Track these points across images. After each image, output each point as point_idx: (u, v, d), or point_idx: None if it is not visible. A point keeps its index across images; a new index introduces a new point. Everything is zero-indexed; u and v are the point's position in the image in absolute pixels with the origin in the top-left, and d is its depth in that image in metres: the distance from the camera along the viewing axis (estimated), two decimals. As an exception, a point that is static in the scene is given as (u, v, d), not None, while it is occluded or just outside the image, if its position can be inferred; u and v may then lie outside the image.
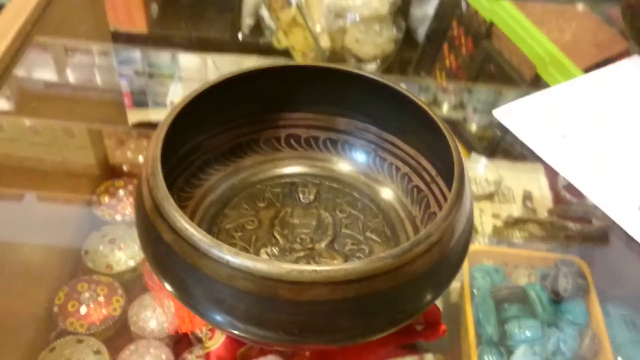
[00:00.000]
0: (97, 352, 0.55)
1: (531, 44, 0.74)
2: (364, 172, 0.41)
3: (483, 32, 0.93)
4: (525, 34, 0.76)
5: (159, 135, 0.32)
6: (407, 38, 0.96)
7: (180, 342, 0.58)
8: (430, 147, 0.37)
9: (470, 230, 0.33)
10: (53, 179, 0.69)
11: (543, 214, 0.74)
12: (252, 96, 0.39)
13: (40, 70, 0.74)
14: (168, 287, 0.30)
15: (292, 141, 0.42)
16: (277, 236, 0.37)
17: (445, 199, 0.37)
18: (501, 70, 0.87)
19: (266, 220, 0.38)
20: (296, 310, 0.28)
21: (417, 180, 0.39)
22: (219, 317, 0.29)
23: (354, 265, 0.27)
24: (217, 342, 0.34)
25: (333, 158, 0.42)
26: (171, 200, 0.29)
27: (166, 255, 0.29)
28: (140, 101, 0.75)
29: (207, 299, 0.29)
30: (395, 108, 0.38)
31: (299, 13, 0.99)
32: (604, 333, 0.54)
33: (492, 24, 0.89)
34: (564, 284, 0.62)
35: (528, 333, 0.58)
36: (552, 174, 0.77)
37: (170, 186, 0.30)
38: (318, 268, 0.27)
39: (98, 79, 0.77)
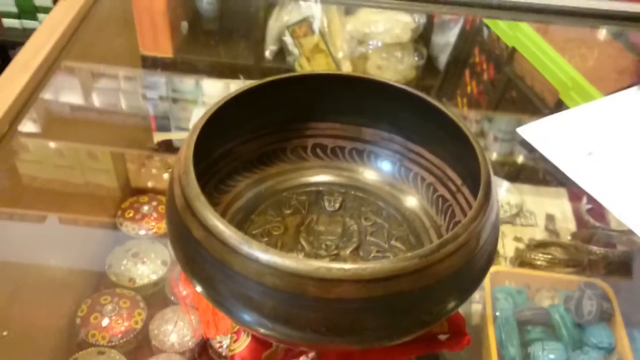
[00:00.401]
0: (118, 365, 0.55)
1: (553, 69, 0.74)
2: (389, 182, 0.41)
3: (505, 58, 0.93)
4: (548, 60, 0.76)
5: (192, 137, 0.33)
6: (429, 65, 0.96)
7: (200, 357, 0.58)
8: (457, 156, 0.38)
9: (496, 236, 0.33)
10: (78, 199, 0.70)
11: (566, 238, 0.73)
12: (281, 105, 0.40)
13: (67, 93, 0.75)
14: (197, 285, 0.31)
15: (319, 150, 0.43)
16: (303, 242, 0.38)
17: (471, 208, 0.37)
18: (523, 95, 0.87)
19: (292, 227, 0.39)
20: (323, 308, 0.28)
21: (442, 190, 0.39)
22: (246, 315, 0.29)
23: (382, 264, 0.27)
24: (242, 344, 0.34)
25: (359, 168, 0.42)
26: (202, 197, 0.30)
27: (196, 252, 0.30)
28: (163, 125, 0.76)
29: (235, 296, 0.29)
30: (422, 118, 0.38)
31: (322, 39, 1.01)
32: (631, 358, 0.53)
33: (514, 50, 0.89)
34: (588, 306, 0.62)
35: (552, 355, 0.57)
36: (575, 198, 0.77)
37: (201, 192, 0.30)
38: (346, 266, 0.27)
39: (124, 103, 0.78)
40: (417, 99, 0.37)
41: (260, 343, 0.34)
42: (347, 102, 0.40)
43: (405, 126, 0.40)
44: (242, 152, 0.40)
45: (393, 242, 0.38)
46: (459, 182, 0.38)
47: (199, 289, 0.31)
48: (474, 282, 0.32)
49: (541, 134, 0.60)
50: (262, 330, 0.29)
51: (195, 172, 0.31)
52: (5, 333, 0.53)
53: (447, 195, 0.39)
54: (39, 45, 0.68)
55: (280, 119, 0.41)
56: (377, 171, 0.42)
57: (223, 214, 0.38)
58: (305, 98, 0.40)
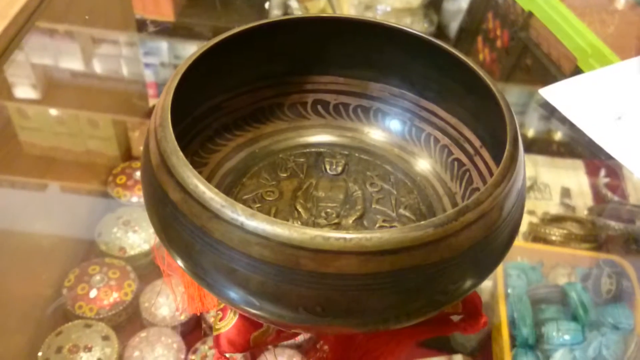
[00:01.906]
0: (106, 338, 0.53)
1: (572, 34, 0.70)
2: (398, 144, 0.37)
3: (520, 24, 0.89)
4: (566, 25, 0.72)
5: (172, 83, 0.28)
6: (439, 32, 0.95)
7: (193, 331, 0.55)
8: (476, 114, 0.33)
9: (522, 206, 0.29)
10: (68, 165, 0.68)
11: (582, 212, 0.71)
12: (279, 54, 0.35)
13: (65, 58, 0.72)
14: (174, 255, 0.27)
15: (320, 108, 0.38)
16: (300, 209, 0.34)
17: (490, 173, 0.32)
18: (538, 63, 0.83)
19: (288, 192, 0.35)
20: (320, 285, 0.24)
21: (458, 153, 0.35)
22: (230, 291, 0.25)
23: (390, 234, 0.23)
24: (228, 323, 0.30)
25: (364, 127, 0.38)
26: (180, 154, 0.25)
27: (173, 217, 0.26)
28: None
29: (217, 268, 0.25)
30: (438, 70, 0.34)
31: (329, 4, 0.97)
32: (651, 340, 0.50)
33: (530, 15, 0.85)
34: (607, 285, 0.59)
35: (567, 336, 0.54)
36: (592, 170, 0.73)
37: (183, 148, 0.26)
38: (347, 235, 0.23)
39: (124, 69, 0.76)
40: (434, 47, 0.32)
41: (248, 322, 0.30)
42: (353, 53, 0.36)
43: (418, 80, 0.35)
44: (233, 106, 0.36)
45: (402, 211, 0.34)
46: (477, 143, 0.34)
47: (176, 259, 0.26)
48: (496, 257, 0.27)
49: (564, 96, 0.56)
50: (248, 309, 0.25)
51: (178, 126, 0.27)
52: None
53: (464, 159, 0.34)
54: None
55: (277, 70, 0.37)
56: (384, 131, 0.37)
57: (211, 176, 0.34)
58: (305, 47, 0.36)
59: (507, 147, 0.27)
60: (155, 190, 0.26)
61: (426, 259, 0.24)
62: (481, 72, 0.30)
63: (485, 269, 0.27)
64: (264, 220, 0.23)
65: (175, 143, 0.26)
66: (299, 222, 0.33)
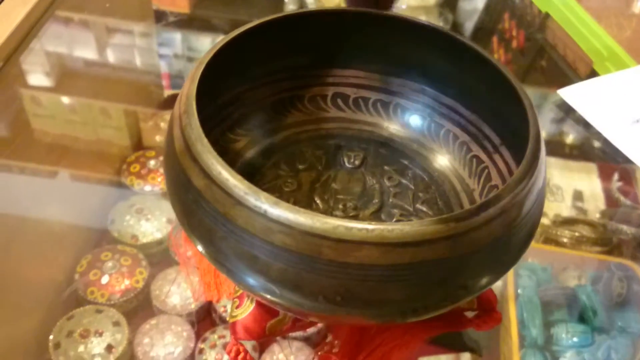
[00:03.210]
0: (117, 324, 0.53)
1: (589, 37, 0.70)
2: (416, 139, 0.37)
3: (537, 25, 0.89)
4: (583, 27, 0.72)
5: (197, 71, 0.28)
6: (454, 32, 0.93)
7: (203, 320, 0.55)
8: (497, 111, 0.33)
9: (541, 205, 0.29)
10: (83, 152, 0.68)
11: (594, 215, 0.70)
12: (301, 46, 0.35)
13: (83, 47, 0.72)
14: (196, 242, 0.27)
15: (340, 101, 0.38)
16: (318, 200, 0.34)
17: (510, 171, 0.32)
18: (554, 65, 0.83)
19: (306, 184, 0.35)
20: (340, 274, 0.24)
21: (477, 150, 0.35)
22: (250, 278, 0.25)
23: (411, 226, 0.23)
24: (245, 310, 0.30)
25: (383, 122, 0.38)
26: (205, 140, 0.26)
27: (196, 203, 0.26)
28: (177, 84, 0.73)
29: (238, 255, 0.25)
30: (459, 66, 0.34)
31: (344, 0, 0.96)
32: (662, 344, 0.50)
33: (547, 16, 0.84)
34: (618, 288, 0.59)
35: (576, 339, 0.54)
36: (605, 174, 0.73)
37: (205, 136, 0.26)
38: (369, 226, 0.23)
39: (139, 59, 0.76)
40: (457, 43, 0.32)
41: (265, 310, 0.30)
42: (374, 47, 0.36)
43: (438, 76, 0.35)
44: (254, 97, 0.36)
45: (419, 206, 0.34)
46: (497, 141, 0.34)
47: (198, 245, 0.27)
48: (514, 254, 0.27)
49: (584, 97, 0.55)
50: (267, 296, 0.25)
51: (200, 114, 0.27)
52: None
53: (483, 156, 0.34)
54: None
55: (299, 63, 0.37)
56: (403, 126, 0.37)
57: (230, 165, 0.34)
58: (327, 40, 0.36)
59: (530, 144, 0.27)
60: (179, 176, 0.27)
61: (447, 253, 0.24)
62: (505, 70, 0.30)
63: (503, 265, 0.27)
64: (287, 208, 0.24)
65: (200, 130, 0.26)
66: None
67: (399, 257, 0.24)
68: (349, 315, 0.25)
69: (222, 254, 0.26)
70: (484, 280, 0.26)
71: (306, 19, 0.34)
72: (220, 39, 0.30)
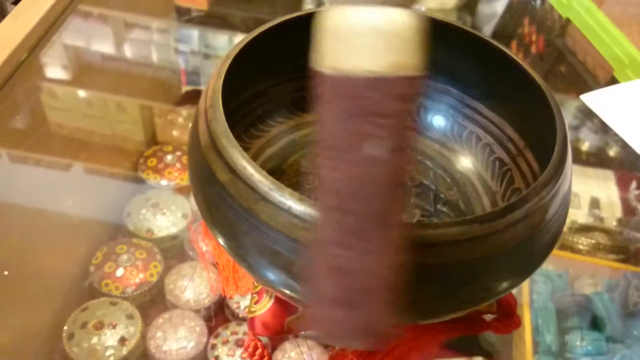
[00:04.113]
0: (130, 317, 0.53)
1: (610, 44, 0.69)
2: (439, 140, 0.37)
3: (557, 30, 0.88)
4: (604, 33, 0.71)
5: (223, 66, 0.28)
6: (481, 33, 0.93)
7: (216, 316, 0.55)
8: (522, 114, 0.33)
9: (566, 210, 0.29)
10: (101, 146, 0.68)
11: (611, 223, 0.70)
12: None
13: (106, 42, 0.73)
14: (218, 236, 0.27)
15: (362, 99, 0.38)
16: (339, 199, 0.34)
17: (533, 174, 0.32)
18: (573, 71, 0.82)
19: (327, 182, 0.35)
20: (363, 273, 0.24)
21: (500, 152, 0.34)
22: (271, 274, 0.25)
23: (437, 227, 0.23)
24: (263, 307, 0.30)
25: (406, 122, 0.37)
26: (231, 135, 0.26)
27: (219, 198, 0.26)
28: (193, 80, 0.74)
29: (260, 251, 0.25)
30: (484, 68, 0.33)
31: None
32: (677, 356, 0.49)
33: (568, 21, 0.84)
34: (634, 297, 0.58)
35: (591, 347, 0.54)
36: (623, 182, 0.72)
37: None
38: (393, 225, 0.23)
39: (154, 55, 0.76)
40: (484, 45, 0.32)
41: (284, 307, 0.30)
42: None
43: (464, 77, 0.35)
44: (277, 94, 0.36)
45: (440, 207, 0.34)
46: (521, 144, 0.33)
47: (219, 239, 0.27)
48: (538, 259, 0.27)
49: (606, 102, 0.55)
50: (288, 293, 0.25)
51: (224, 109, 0.27)
52: (5, 273, 0.52)
53: (506, 159, 0.34)
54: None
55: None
56: (426, 127, 0.37)
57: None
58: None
59: (557, 148, 0.26)
60: (203, 170, 0.27)
61: (471, 254, 0.24)
62: (533, 73, 0.30)
63: (526, 269, 0.27)
64: (311, 205, 0.24)
65: (226, 124, 0.26)
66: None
67: (422, 258, 0.23)
68: (370, 314, 0.25)
69: (244, 248, 0.26)
70: (506, 284, 0.26)
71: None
72: (247, 35, 0.30)
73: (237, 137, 0.34)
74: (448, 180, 0.35)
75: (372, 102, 0.19)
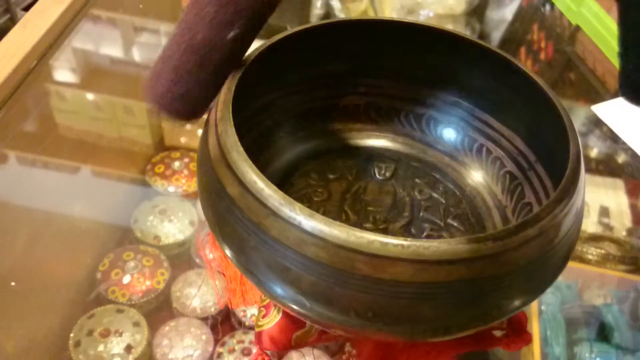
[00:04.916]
0: (137, 324, 0.53)
1: (620, 51, 0.68)
2: (448, 152, 0.36)
3: (566, 37, 0.88)
4: (615, 41, 0.70)
5: (234, 79, 0.28)
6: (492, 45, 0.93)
7: (222, 325, 0.55)
8: (533, 128, 0.33)
9: (579, 227, 0.28)
10: (108, 151, 0.68)
11: (621, 233, 0.69)
12: (335, 55, 0.35)
13: (110, 46, 0.73)
14: (226, 249, 0.27)
15: (372, 111, 0.38)
16: (348, 211, 0.33)
17: (544, 189, 0.32)
18: (582, 78, 0.82)
19: (336, 194, 0.34)
20: (373, 290, 0.24)
21: (510, 166, 0.34)
22: (280, 289, 0.25)
23: (448, 244, 0.23)
24: (271, 321, 0.30)
25: (415, 134, 0.37)
26: (241, 148, 0.25)
27: (228, 211, 0.26)
28: None
29: (269, 266, 0.25)
30: (495, 80, 0.33)
31: (370, 6, 0.96)
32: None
33: (577, 28, 0.83)
34: None
35: (600, 358, 0.53)
36: (633, 191, 0.72)
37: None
38: (405, 242, 0.23)
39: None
40: (494, 56, 0.32)
41: (292, 321, 0.30)
42: (409, 58, 0.35)
43: (474, 90, 0.35)
44: (286, 105, 0.36)
45: (450, 221, 0.34)
46: (532, 157, 0.33)
47: (228, 253, 0.26)
48: (550, 276, 0.27)
49: (617, 113, 0.55)
50: (296, 308, 0.25)
51: (234, 120, 0.27)
52: (12, 284, 0.51)
53: (517, 172, 0.34)
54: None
55: (333, 71, 0.36)
56: (436, 139, 0.37)
57: (261, 172, 0.34)
58: (362, 50, 0.35)
59: (570, 163, 0.26)
60: (212, 183, 0.26)
61: (482, 272, 0.24)
62: (543, 85, 0.30)
63: (538, 287, 0.27)
64: (321, 221, 0.23)
65: (236, 138, 0.26)
66: (347, 224, 0.33)
67: (434, 275, 0.23)
68: (380, 331, 0.25)
69: (253, 263, 0.25)
70: (518, 302, 0.26)
71: (344, 28, 0.33)
72: (259, 45, 0.30)
73: (246, 148, 0.34)
74: (458, 193, 0.35)
75: None
